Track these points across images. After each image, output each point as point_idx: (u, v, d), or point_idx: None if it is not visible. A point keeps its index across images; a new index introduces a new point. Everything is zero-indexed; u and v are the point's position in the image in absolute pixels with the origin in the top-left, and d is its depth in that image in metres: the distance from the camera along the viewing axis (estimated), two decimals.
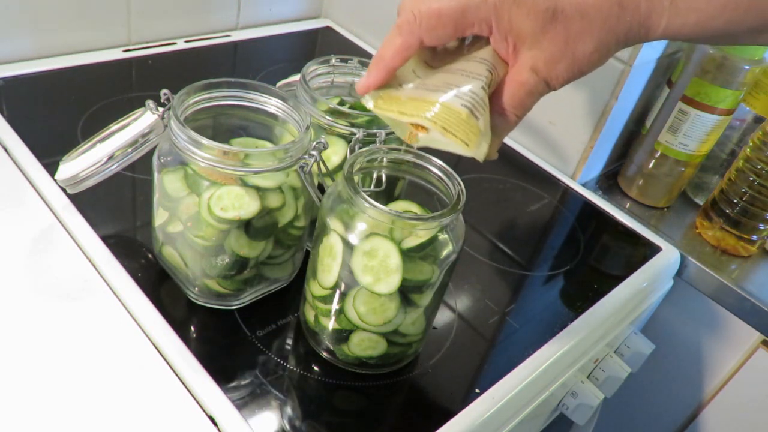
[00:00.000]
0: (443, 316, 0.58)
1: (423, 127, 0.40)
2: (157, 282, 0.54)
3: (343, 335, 0.49)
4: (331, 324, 0.49)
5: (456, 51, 0.45)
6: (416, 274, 0.46)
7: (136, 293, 0.52)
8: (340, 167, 0.53)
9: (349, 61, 0.58)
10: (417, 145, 0.42)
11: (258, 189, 0.47)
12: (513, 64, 0.42)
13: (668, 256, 0.73)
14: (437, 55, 0.45)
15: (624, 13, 0.41)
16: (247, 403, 0.47)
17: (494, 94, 0.42)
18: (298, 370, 0.51)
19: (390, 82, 0.42)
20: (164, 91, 0.48)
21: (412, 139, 0.42)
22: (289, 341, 0.53)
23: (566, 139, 0.81)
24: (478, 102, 0.39)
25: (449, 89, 0.40)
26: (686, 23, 0.42)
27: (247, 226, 0.48)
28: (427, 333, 0.53)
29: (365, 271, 0.45)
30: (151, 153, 0.50)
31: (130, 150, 0.51)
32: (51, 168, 0.60)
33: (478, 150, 0.40)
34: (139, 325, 0.50)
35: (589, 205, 0.79)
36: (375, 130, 0.52)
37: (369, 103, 0.43)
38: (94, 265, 0.54)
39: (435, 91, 0.41)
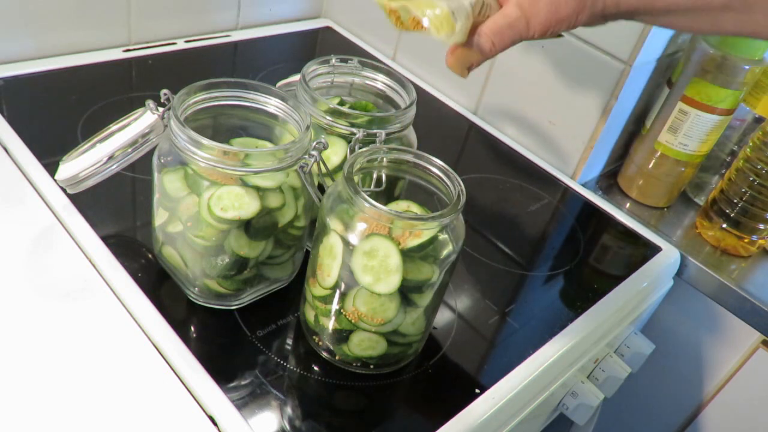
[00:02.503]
0: (443, 316, 0.58)
1: (410, 15, 0.47)
2: (157, 282, 0.54)
3: (343, 335, 0.49)
4: (331, 324, 0.49)
5: None
6: (416, 274, 0.46)
7: (136, 293, 0.52)
8: (340, 167, 0.53)
9: (349, 61, 0.58)
10: (402, 30, 0.49)
11: (258, 189, 0.47)
12: (505, 3, 0.47)
13: (668, 256, 0.73)
14: None
15: None
16: (247, 403, 0.47)
17: (481, 23, 0.47)
18: (298, 370, 0.51)
19: None
20: (164, 91, 0.48)
21: (398, 26, 0.49)
22: (289, 341, 0.53)
23: (566, 139, 0.81)
24: (461, 10, 0.45)
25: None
26: None
27: (247, 226, 0.48)
28: (427, 333, 0.53)
29: (365, 271, 0.45)
30: (151, 153, 0.50)
31: (130, 150, 0.51)
32: (51, 168, 0.60)
33: (447, 40, 0.46)
34: (139, 325, 0.50)
35: (589, 205, 0.79)
36: (375, 130, 0.52)
37: None
38: (94, 265, 0.54)
39: None
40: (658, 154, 0.77)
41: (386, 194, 0.52)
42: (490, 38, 0.46)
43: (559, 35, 0.54)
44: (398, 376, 0.52)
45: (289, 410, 0.48)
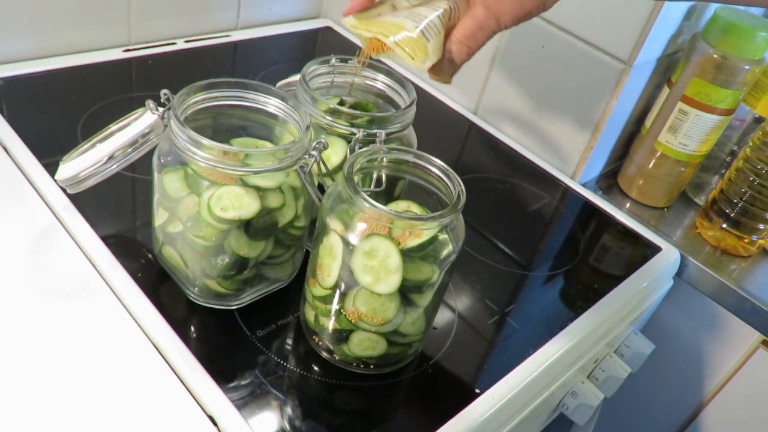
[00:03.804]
0: (443, 316, 0.58)
1: (383, 44, 0.48)
2: (157, 282, 0.54)
3: (343, 335, 0.49)
4: (331, 324, 0.49)
5: None
6: (416, 274, 0.46)
7: (136, 293, 0.52)
8: (340, 167, 0.53)
9: (349, 61, 0.58)
10: (377, 56, 0.50)
11: (258, 189, 0.47)
12: (473, 4, 0.48)
13: (668, 256, 0.73)
14: None
15: None
16: (247, 403, 0.47)
17: (452, 29, 0.48)
18: (298, 370, 0.51)
19: (370, 7, 0.50)
20: (164, 91, 0.48)
21: (373, 51, 0.50)
22: (289, 341, 0.53)
23: (566, 139, 0.81)
24: (431, 27, 0.47)
25: (410, 16, 0.48)
26: None
27: (247, 226, 0.48)
28: (427, 333, 0.53)
29: (365, 271, 0.45)
30: (151, 153, 0.50)
31: (130, 150, 0.51)
32: (51, 168, 0.60)
33: (422, 65, 0.47)
34: (139, 325, 0.50)
35: (589, 205, 0.79)
36: (375, 130, 0.52)
37: (347, 22, 0.50)
38: (94, 265, 0.54)
39: (398, 16, 0.49)
40: (658, 154, 0.77)
41: (386, 194, 0.52)
42: (464, 44, 0.47)
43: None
44: (398, 376, 0.52)
45: (289, 410, 0.48)
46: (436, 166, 0.49)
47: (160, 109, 0.50)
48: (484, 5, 0.47)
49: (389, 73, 0.59)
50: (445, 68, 0.49)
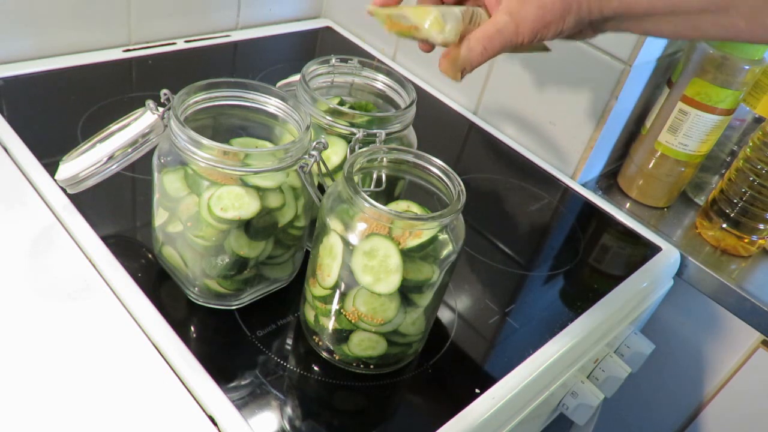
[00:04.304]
0: (443, 316, 0.58)
1: (402, 24, 0.51)
2: (157, 282, 0.54)
3: (343, 335, 0.49)
4: (331, 324, 0.49)
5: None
6: (416, 274, 0.46)
7: (136, 293, 0.52)
8: (340, 167, 0.53)
9: (349, 61, 0.58)
10: (395, 34, 0.52)
11: (258, 189, 0.47)
12: (495, 12, 0.50)
13: (668, 256, 0.73)
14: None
15: None
16: (247, 403, 0.47)
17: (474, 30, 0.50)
18: (298, 370, 0.51)
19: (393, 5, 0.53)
20: (164, 91, 0.48)
21: (391, 30, 0.52)
22: (289, 341, 0.53)
23: (566, 139, 0.81)
24: (450, 14, 0.49)
25: (435, 6, 0.50)
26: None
27: (247, 226, 0.48)
28: (427, 333, 0.53)
29: (365, 271, 0.45)
30: (151, 153, 0.50)
31: (130, 150, 0.51)
32: (51, 168, 0.60)
33: (438, 35, 0.49)
34: (139, 325, 0.50)
35: (589, 205, 0.79)
36: (375, 130, 0.52)
37: (371, 9, 0.52)
38: (94, 265, 0.54)
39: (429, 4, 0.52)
40: (658, 154, 0.77)
41: (386, 194, 0.52)
42: (481, 42, 0.48)
43: (546, 49, 0.55)
44: (398, 376, 0.52)
45: (289, 410, 0.48)
46: (436, 166, 0.49)
47: (160, 109, 0.50)
48: (507, 12, 0.48)
49: (389, 73, 0.59)
50: (457, 61, 0.49)
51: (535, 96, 0.82)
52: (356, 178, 0.47)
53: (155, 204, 0.51)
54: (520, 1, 0.47)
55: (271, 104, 0.51)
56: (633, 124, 0.81)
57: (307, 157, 0.48)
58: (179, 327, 0.51)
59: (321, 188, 0.51)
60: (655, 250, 0.73)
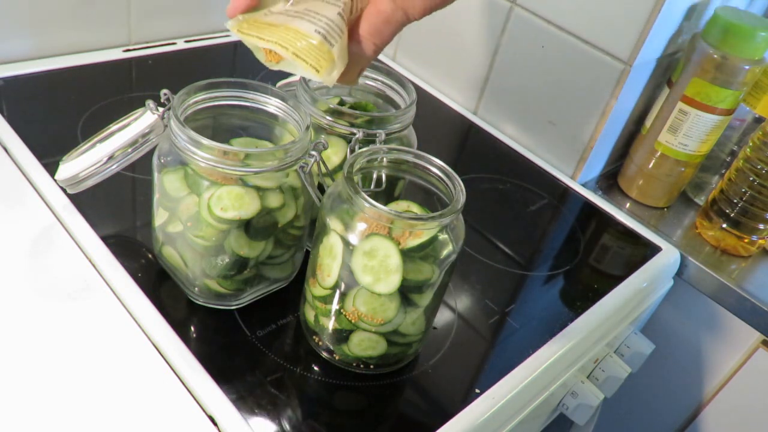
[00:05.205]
0: (443, 316, 0.58)
1: (276, 54, 0.42)
2: (157, 282, 0.54)
3: (343, 335, 0.49)
4: (331, 324, 0.49)
5: None
6: (416, 274, 0.46)
7: (136, 293, 0.52)
8: (340, 167, 0.53)
9: None
10: (276, 68, 0.44)
11: (258, 189, 0.47)
12: None
13: (668, 256, 0.73)
14: None
15: None
16: (247, 403, 0.47)
17: (355, 23, 0.43)
18: (298, 370, 0.51)
19: (257, 6, 0.43)
20: (164, 91, 0.48)
21: (270, 62, 0.44)
22: (289, 341, 0.53)
23: (566, 139, 0.81)
24: (333, 29, 0.40)
25: (306, 16, 0.41)
26: None
27: (247, 226, 0.48)
28: (427, 333, 0.53)
29: (365, 271, 0.45)
30: (151, 153, 0.50)
31: (130, 150, 0.51)
32: (51, 168, 0.60)
33: (328, 77, 0.41)
34: (139, 325, 0.50)
35: (588, 205, 0.79)
36: (375, 130, 0.52)
37: (233, 27, 0.43)
38: (94, 265, 0.54)
39: (294, 17, 0.42)
40: (658, 154, 0.77)
41: (386, 194, 0.52)
42: (371, 41, 0.43)
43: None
44: (398, 376, 0.52)
45: (289, 410, 0.48)
46: (436, 166, 0.49)
47: (160, 109, 0.50)
48: None
49: (389, 73, 0.59)
50: (351, 68, 0.44)
51: (535, 96, 0.82)
52: (356, 178, 0.47)
53: (155, 204, 0.51)
54: None
55: (271, 104, 0.51)
56: (633, 124, 0.81)
57: (307, 157, 0.48)
58: (179, 327, 0.51)
59: (321, 188, 0.51)
60: (655, 250, 0.73)
